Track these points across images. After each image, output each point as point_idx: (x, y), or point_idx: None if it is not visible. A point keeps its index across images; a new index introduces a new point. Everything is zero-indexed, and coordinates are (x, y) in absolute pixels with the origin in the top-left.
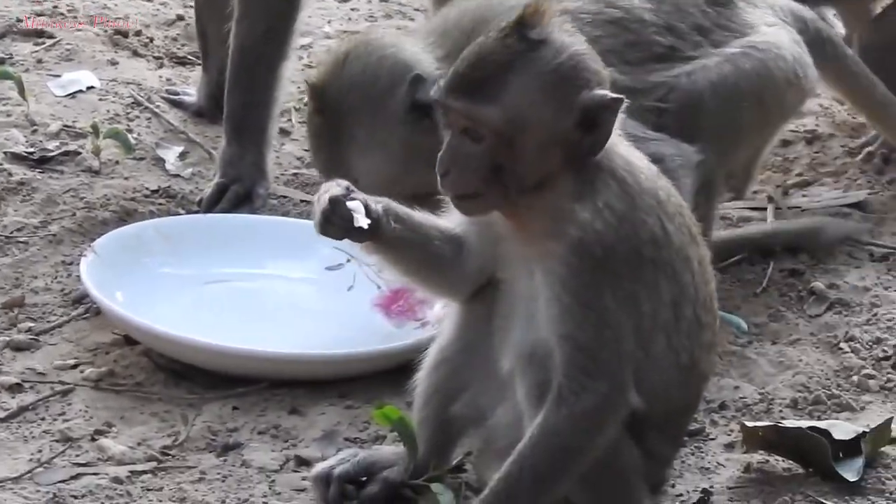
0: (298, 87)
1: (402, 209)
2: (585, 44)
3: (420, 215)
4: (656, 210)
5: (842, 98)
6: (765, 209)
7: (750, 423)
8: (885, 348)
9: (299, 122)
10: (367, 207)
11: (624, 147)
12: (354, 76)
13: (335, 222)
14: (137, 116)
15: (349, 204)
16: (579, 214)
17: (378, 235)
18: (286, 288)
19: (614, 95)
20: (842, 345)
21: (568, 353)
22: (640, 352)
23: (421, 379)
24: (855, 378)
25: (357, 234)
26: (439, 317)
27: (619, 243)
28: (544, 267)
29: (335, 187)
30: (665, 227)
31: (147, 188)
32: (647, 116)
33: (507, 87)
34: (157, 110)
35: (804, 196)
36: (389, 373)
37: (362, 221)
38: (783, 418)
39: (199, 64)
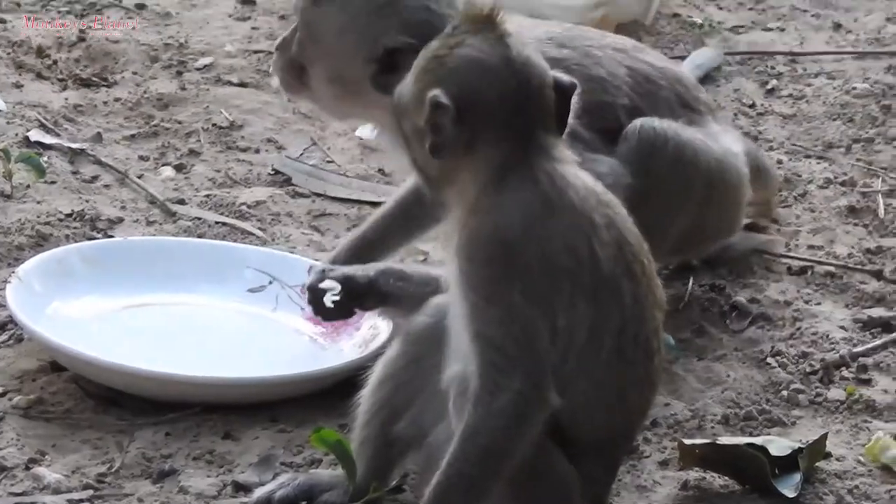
0: (205, 108)
1: (400, 267)
2: (489, 51)
3: (422, 268)
4: (585, 230)
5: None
6: None
7: (687, 441)
8: (812, 363)
9: (208, 143)
10: (353, 279)
11: (558, 164)
12: None
13: (322, 305)
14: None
15: (322, 285)
16: (482, 207)
17: (382, 297)
18: (211, 311)
19: (442, 100)
20: (769, 360)
21: (480, 352)
22: (558, 361)
23: (364, 396)
24: (784, 393)
25: (349, 309)
26: (373, 326)
27: (526, 243)
28: (454, 265)
29: (312, 274)
30: (593, 250)
31: (61, 212)
32: (604, 138)
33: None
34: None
35: None
36: (319, 395)
37: (329, 300)
38: (715, 434)
39: (104, 85)
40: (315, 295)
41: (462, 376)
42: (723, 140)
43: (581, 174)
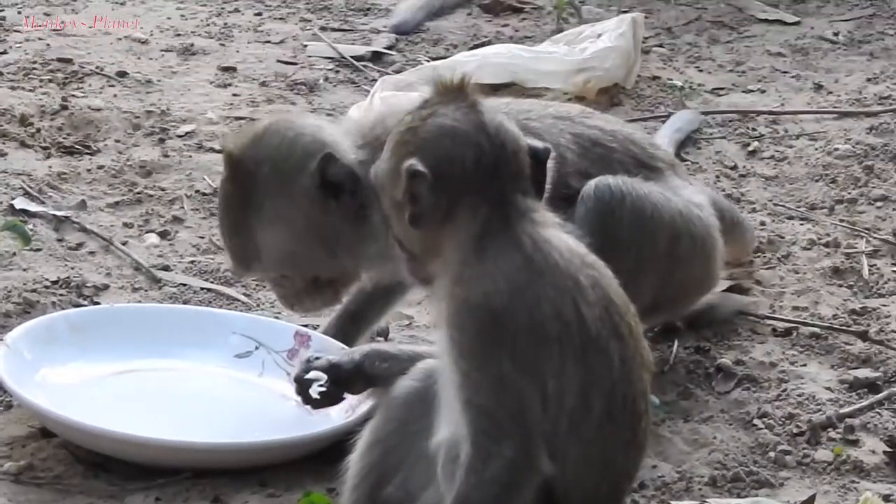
0: (188, 175)
1: (386, 348)
2: (462, 119)
3: (408, 348)
4: (570, 292)
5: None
6: None
7: (674, 503)
8: (799, 424)
9: (192, 210)
10: (338, 367)
11: (539, 227)
12: (270, 148)
13: (309, 396)
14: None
15: (308, 376)
16: (467, 276)
17: (369, 380)
18: (198, 376)
19: (418, 168)
20: (755, 421)
21: (471, 420)
22: (548, 426)
23: (353, 460)
24: (771, 454)
25: (337, 396)
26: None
27: (514, 311)
28: (444, 333)
29: (297, 365)
30: (580, 312)
31: (47, 279)
32: (559, 205)
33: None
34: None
35: None
36: (308, 459)
37: (315, 391)
38: (703, 496)
39: (88, 153)
40: (302, 386)
41: (451, 441)
42: (684, 193)
43: (563, 236)
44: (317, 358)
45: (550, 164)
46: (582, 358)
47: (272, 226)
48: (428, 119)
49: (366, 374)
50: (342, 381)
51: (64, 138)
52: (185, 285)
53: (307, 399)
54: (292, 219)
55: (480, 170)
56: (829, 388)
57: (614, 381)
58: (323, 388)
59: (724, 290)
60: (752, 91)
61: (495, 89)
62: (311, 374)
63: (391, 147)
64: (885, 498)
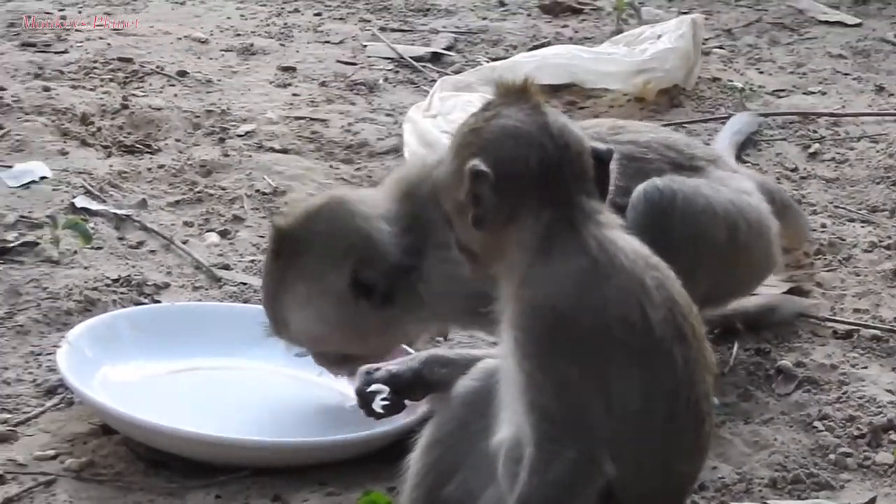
0: (248, 174)
1: (444, 353)
2: (524, 120)
3: (465, 352)
4: (636, 294)
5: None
6: None
7: None
8: (860, 426)
9: (252, 209)
10: (398, 377)
11: (604, 228)
12: (316, 234)
13: (371, 411)
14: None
15: (370, 389)
16: (533, 278)
17: (429, 386)
18: (258, 375)
19: (481, 168)
20: (816, 423)
21: (535, 422)
22: (611, 431)
23: (414, 460)
24: (832, 456)
25: (399, 405)
26: None
27: (580, 314)
28: (509, 334)
29: (359, 377)
30: (645, 314)
31: (108, 277)
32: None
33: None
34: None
35: None
36: (368, 458)
37: (378, 405)
38: (763, 498)
39: (148, 152)
40: (364, 399)
41: (512, 441)
42: (730, 183)
43: (627, 237)
44: (376, 369)
45: (613, 165)
46: (646, 361)
47: (302, 308)
48: (491, 120)
49: (425, 381)
50: (402, 389)
51: (124, 137)
52: (244, 284)
53: (370, 412)
54: (323, 306)
55: (544, 171)
56: (889, 391)
57: (678, 384)
58: (386, 401)
59: (784, 293)
60: (813, 93)
61: (555, 90)
62: (374, 388)
63: (454, 148)
64: None
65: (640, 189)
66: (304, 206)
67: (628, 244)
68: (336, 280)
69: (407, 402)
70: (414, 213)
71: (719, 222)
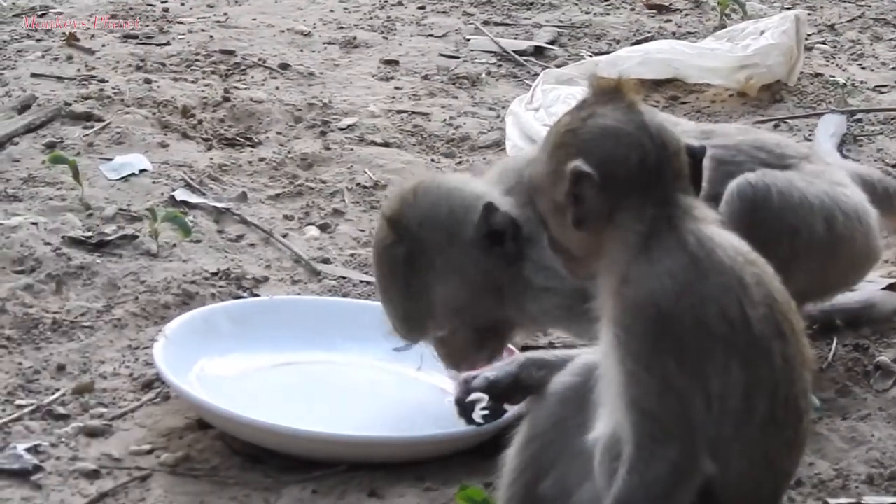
0: (349, 167)
1: (541, 356)
2: (622, 119)
3: (562, 353)
4: (735, 291)
5: None
6: None
7: (832, 501)
8: None
9: (352, 203)
10: (497, 383)
11: (703, 224)
12: (429, 207)
13: (472, 420)
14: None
15: (469, 398)
16: (634, 276)
17: (528, 390)
18: (356, 370)
19: (585, 169)
20: None
21: (635, 420)
22: (712, 428)
23: (511, 455)
24: None
25: (500, 411)
26: None
27: (681, 311)
28: (610, 332)
29: (457, 387)
30: (744, 311)
31: (206, 270)
32: None
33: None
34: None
35: None
36: (465, 453)
37: (478, 415)
38: (860, 494)
39: (249, 145)
40: (465, 409)
41: (611, 438)
42: (823, 175)
43: (725, 233)
44: (474, 377)
45: (706, 162)
46: (746, 358)
47: (446, 279)
48: (587, 120)
49: (523, 385)
50: (501, 395)
51: (225, 130)
52: (344, 278)
53: (470, 421)
54: (465, 270)
55: (645, 170)
56: None
57: (777, 381)
58: (485, 410)
59: (883, 289)
60: None
61: (657, 85)
62: (473, 396)
63: (549, 149)
64: None
65: (732, 185)
66: (398, 194)
67: (727, 240)
68: (470, 235)
69: (506, 406)
70: (507, 187)
71: (815, 214)
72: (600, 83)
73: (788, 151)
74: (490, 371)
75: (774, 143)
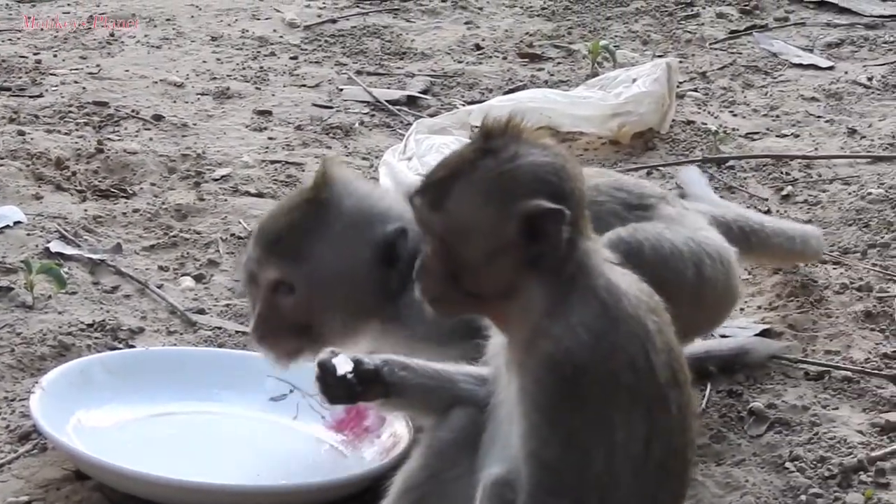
0: (223, 218)
1: (403, 359)
2: (549, 155)
3: (438, 365)
4: (642, 339)
5: (769, 263)
6: None
7: None
8: (830, 467)
9: (227, 253)
10: (362, 362)
11: (609, 269)
12: (363, 193)
13: (331, 383)
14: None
15: (334, 360)
16: (551, 330)
17: (387, 386)
18: (233, 420)
19: (552, 206)
20: (787, 464)
21: (532, 472)
22: (608, 478)
23: None
24: (803, 497)
25: (359, 393)
26: (394, 434)
27: (594, 364)
28: (518, 382)
29: (321, 354)
30: (650, 359)
31: (82, 322)
32: None
33: (451, 194)
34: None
35: (740, 314)
36: (341, 503)
37: (345, 367)
38: None
39: (123, 196)
40: (324, 370)
41: (499, 480)
42: (685, 220)
43: (627, 275)
44: (339, 352)
45: None
46: (649, 407)
47: (329, 248)
48: (515, 160)
49: (384, 381)
50: (362, 378)
51: (100, 181)
52: (220, 328)
53: (326, 387)
54: (348, 253)
55: (579, 204)
56: (860, 432)
57: (671, 430)
58: (350, 375)
59: (756, 335)
60: (786, 135)
61: None
62: (338, 360)
63: (484, 192)
64: None
65: (604, 240)
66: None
67: (630, 285)
68: (375, 236)
69: (362, 404)
70: None
71: (686, 261)
72: (493, 125)
73: (647, 191)
74: (355, 354)
75: (633, 183)
